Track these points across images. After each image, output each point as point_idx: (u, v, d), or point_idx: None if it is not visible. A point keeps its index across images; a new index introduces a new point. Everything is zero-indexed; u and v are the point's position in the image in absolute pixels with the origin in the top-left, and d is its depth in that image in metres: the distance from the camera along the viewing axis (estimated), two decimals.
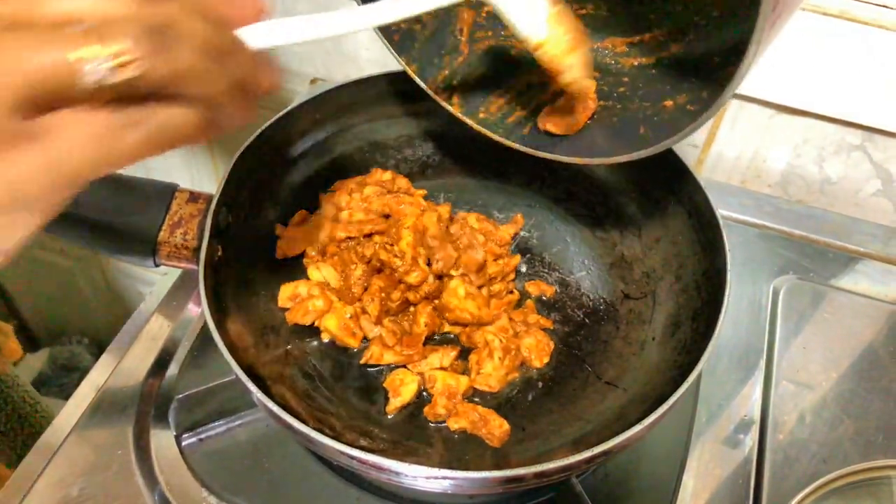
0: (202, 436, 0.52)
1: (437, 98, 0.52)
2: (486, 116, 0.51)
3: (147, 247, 0.50)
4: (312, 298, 0.53)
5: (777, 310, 0.62)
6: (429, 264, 0.53)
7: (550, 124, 0.48)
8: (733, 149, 0.74)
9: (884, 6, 0.59)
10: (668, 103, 0.43)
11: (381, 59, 0.52)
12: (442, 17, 0.52)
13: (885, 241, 0.69)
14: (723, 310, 0.46)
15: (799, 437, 0.54)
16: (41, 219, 0.23)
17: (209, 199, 0.51)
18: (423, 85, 0.51)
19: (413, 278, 0.52)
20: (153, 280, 1.06)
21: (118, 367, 0.56)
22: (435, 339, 0.55)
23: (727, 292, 0.47)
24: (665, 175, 0.55)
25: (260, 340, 0.51)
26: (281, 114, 0.57)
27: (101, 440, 0.52)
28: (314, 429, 0.39)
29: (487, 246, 0.56)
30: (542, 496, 0.50)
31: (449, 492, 0.43)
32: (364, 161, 0.63)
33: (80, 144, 0.23)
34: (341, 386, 0.51)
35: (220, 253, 0.50)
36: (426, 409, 0.50)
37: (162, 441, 0.52)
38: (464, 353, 0.54)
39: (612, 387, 0.51)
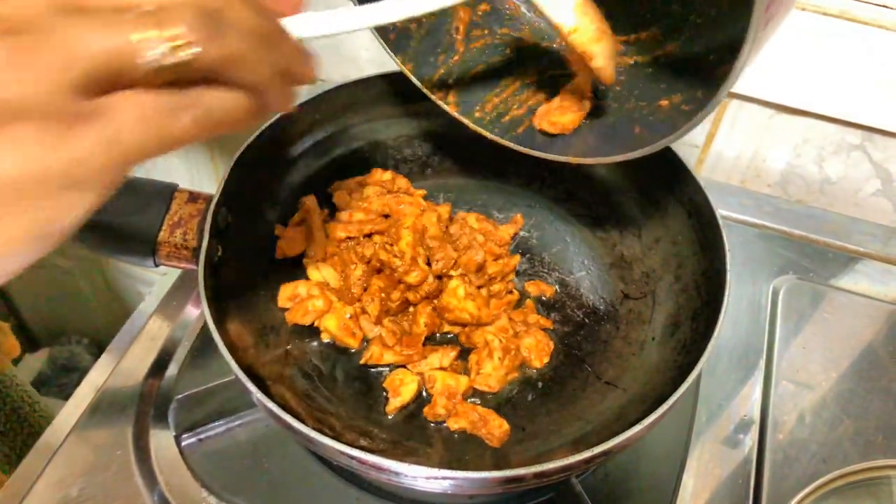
0: (202, 436, 0.52)
1: (433, 97, 0.52)
2: (482, 116, 0.51)
3: (147, 247, 0.50)
4: (312, 298, 0.53)
5: (777, 310, 0.62)
6: (428, 264, 0.53)
7: (546, 124, 0.48)
8: (733, 149, 0.74)
9: (884, 6, 0.59)
10: (664, 103, 0.43)
11: (380, 60, 0.52)
12: (438, 16, 0.52)
13: (884, 241, 0.69)
14: (722, 310, 0.46)
15: (799, 436, 0.54)
16: (96, 199, 0.24)
17: (209, 199, 0.51)
18: (418, 84, 0.51)
19: (413, 278, 0.52)
20: (153, 280, 1.06)
21: (118, 368, 0.56)
22: (435, 340, 0.55)
23: (727, 292, 0.47)
24: (665, 175, 0.55)
25: (260, 340, 0.51)
26: (281, 114, 0.57)
27: (100, 440, 0.52)
28: (314, 429, 0.39)
29: (487, 246, 0.56)
30: (542, 496, 0.50)
31: (449, 492, 0.43)
32: (364, 161, 0.63)
33: (134, 125, 0.23)
34: (341, 386, 0.51)
35: (219, 253, 0.50)
36: (426, 410, 0.50)
37: (161, 441, 0.52)
38: (464, 354, 0.53)
39: (612, 387, 0.51)
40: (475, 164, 0.65)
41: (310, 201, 0.57)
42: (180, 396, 0.53)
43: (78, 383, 0.56)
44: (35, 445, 0.52)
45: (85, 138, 0.23)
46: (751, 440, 0.54)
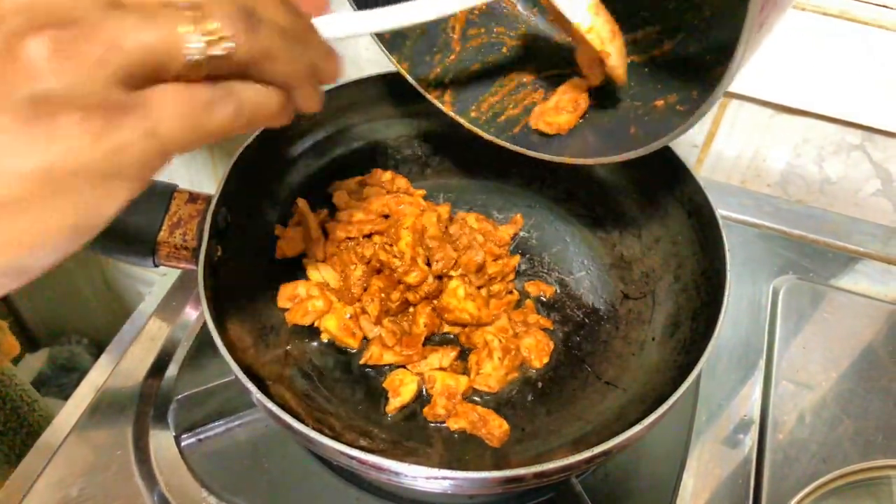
0: (201, 436, 0.52)
1: (429, 96, 0.51)
2: (478, 115, 0.51)
3: (146, 247, 0.50)
4: (312, 299, 0.53)
5: (777, 310, 0.62)
6: (428, 264, 0.53)
7: (542, 123, 0.48)
8: (733, 148, 0.74)
9: (884, 6, 0.59)
10: (659, 103, 0.43)
11: (380, 60, 0.52)
12: None
13: (884, 241, 0.69)
14: (722, 310, 0.46)
15: (798, 436, 0.54)
16: (133, 191, 0.24)
17: (209, 199, 0.51)
18: (414, 83, 0.51)
19: (412, 278, 0.52)
20: (153, 280, 1.06)
21: (117, 368, 0.56)
22: (434, 340, 0.55)
23: (727, 292, 0.47)
24: (665, 175, 0.55)
25: (259, 341, 0.51)
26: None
27: (100, 440, 0.52)
28: (314, 429, 0.39)
29: (487, 246, 0.56)
30: (541, 496, 0.50)
31: (449, 492, 0.43)
32: (364, 161, 0.63)
33: (173, 117, 0.24)
34: (341, 386, 0.51)
35: (219, 253, 0.50)
36: (426, 410, 0.50)
37: (161, 441, 0.52)
38: (463, 354, 0.53)
39: (612, 387, 0.51)
40: (475, 164, 0.65)
41: (302, 204, 0.57)
42: (180, 396, 0.53)
43: (78, 383, 0.56)
44: (35, 445, 0.52)
45: (126, 129, 0.23)
46: (751, 440, 0.54)
